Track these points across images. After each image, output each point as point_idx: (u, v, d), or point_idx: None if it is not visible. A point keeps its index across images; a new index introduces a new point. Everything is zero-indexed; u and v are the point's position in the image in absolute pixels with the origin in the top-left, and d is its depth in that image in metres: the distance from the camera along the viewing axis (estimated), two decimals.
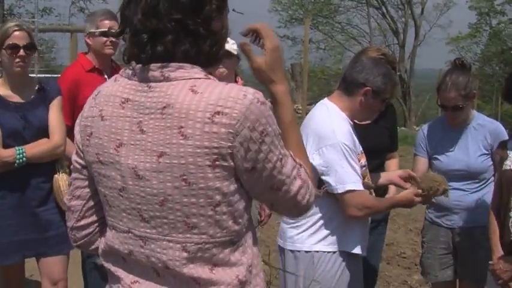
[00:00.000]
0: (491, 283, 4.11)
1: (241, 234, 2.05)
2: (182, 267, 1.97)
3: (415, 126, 30.29)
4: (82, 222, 2.22)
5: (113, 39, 4.82)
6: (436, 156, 4.65)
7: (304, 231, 3.68)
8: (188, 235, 1.95)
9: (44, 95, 4.46)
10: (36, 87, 4.48)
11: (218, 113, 1.85)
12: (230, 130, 1.86)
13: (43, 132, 4.39)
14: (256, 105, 1.90)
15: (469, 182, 4.56)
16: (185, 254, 1.96)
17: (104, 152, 2.01)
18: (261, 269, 2.15)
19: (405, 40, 41.87)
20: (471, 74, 4.48)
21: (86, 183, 2.17)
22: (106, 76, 4.87)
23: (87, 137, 2.07)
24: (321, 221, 3.65)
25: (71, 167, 2.21)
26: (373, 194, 3.93)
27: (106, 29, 4.82)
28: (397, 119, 5.13)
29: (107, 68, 4.98)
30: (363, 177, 3.77)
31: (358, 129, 4.36)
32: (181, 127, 1.86)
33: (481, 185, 4.57)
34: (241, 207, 2.01)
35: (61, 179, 4.42)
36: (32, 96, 4.44)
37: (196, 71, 1.95)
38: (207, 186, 1.89)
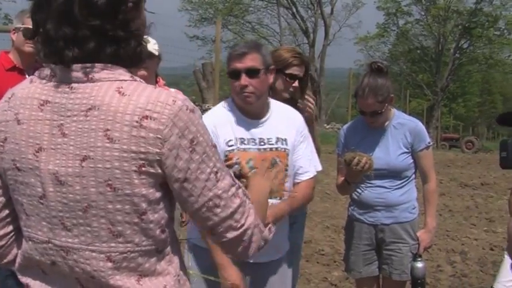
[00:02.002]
0: None
1: (167, 242, 1.97)
2: (108, 278, 1.88)
3: (325, 125, 30.74)
4: None
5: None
6: None
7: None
8: (113, 244, 1.86)
9: None
10: None
11: (146, 117, 1.78)
12: (158, 135, 1.79)
13: None
14: (186, 112, 1.84)
15: (390, 179, 4.59)
16: (110, 264, 1.88)
17: (21, 157, 1.89)
18: (187, 278, 2.08)
19: (315, 40, 42.49)
20: (388, 77, 4.50)
21: None
22: (27, 76, 4.65)
23: (1, 143, 1.93)
24: None
25: None
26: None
27: (30, 26, 4.61)
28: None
29: (29, 68, 4.77)
30: None
31: None
32: (108, 130, 1.78)
33: (403, 183, 4.61)
34: (168, 215, 1.94)
35: None
36: None
37: (121, 72, 1.87)
38: (133, 193, 1.82)
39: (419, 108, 46.90)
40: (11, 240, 2.08)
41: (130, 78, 1.86)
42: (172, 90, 1.91)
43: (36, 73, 1.95)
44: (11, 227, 2.06)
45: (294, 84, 4.40)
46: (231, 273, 3.60)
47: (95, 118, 1.78)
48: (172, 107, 1.81)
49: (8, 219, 2.05)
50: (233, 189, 1.95)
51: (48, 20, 1.83)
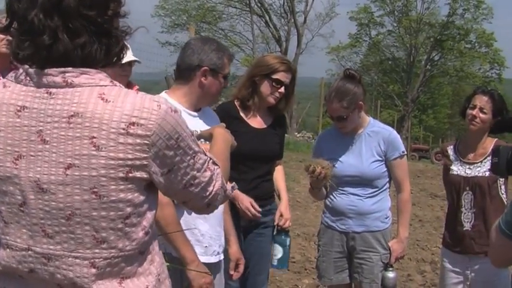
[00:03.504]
0: None
1: (149, 243, 1.98)
2: (91, 284, 1.87)
3: (296, 133, 30.79)
4: None
5: (10, 38, 4.52)
6: (331, 162, 4.60)
7: None
8: (97, 250, 1.85)
9: None
10: None
11: (133, 123, 1.78)
12: (146, 141, 1.80)
13: None
14: (171, 115, 1.86)
15: (363, 187, 4.58)
16: (94, 270, 1.86)
17: None
18: (167, 275, 2.09)
19: (288, 48, 42.58)
20: (358, 85, 4.49)
21: None
22: (2, 77, 4.55)
23: None
24: None
25: None
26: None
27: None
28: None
29: (4, 69, 4.66)
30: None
31: (253, 133, 4.33)
32: (94, 137, 1.76)
33: (375, 191, 4.60)
34: (150, 216, 1.95)
35: None
36: None
37: (101, 77, 1.84)
38: (118, 199, 1.81)
39: (390, 119, 47.14)
40: None
41: (111, 84, 1.83)
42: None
43: (10, 77, 1.89)
44: None
45: (279, 90, 4.40)
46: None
47: (79, 125, 1.75)
48: (158, 111, 1.81)
49: None
50: (205, 164, 2.03)
51: (32, 10, 1.77)
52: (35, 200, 1.81)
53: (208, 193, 2.09)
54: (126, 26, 1.92)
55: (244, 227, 4.44)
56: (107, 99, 1.77)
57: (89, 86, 1.79)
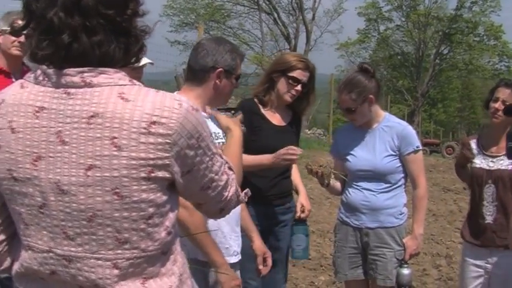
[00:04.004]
0: None
1: (172, 243, 1.96)
2: (114, 285, 1.85)
3: (307, 130, 30.69)
4: None
5: (22, 40, 4.58)
6: (346, 156, 4.67)
7: None
8: (119, 251, 1.83)
9: None
10: None
11: (154, 123, 1.76)
12: (167, 140, 1.77)
13: None
14: (192, 113, 1.84)
15: (376, 182, 4.57)
16: (116, 271, 1.84)
17: (18, 167, 1.82)
18: (189, 275, 2.08)
19: (297, 45, 42.43)
20: (371, 79, 4.50)
21: None
22: (14, 79, 4.61)
23: None
24: None
25: None
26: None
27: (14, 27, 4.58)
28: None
29: (16, 71, 4.71)
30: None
31: (274, 130, 4.35)
32: (115, 138, 1.73)
33: (389, 187, 4.58)
34: (173, 216, 1.93)
35: None
36: None
37: (120, 76, 1.82)
38: (140, 199, 1.79)
39: (400, 114, 46.92)
40: (5, 248, 2.02)
41: (130, 83, 1.82)
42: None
43: (27, 77, 1.87)
44: (4, 235, 2.01)
45: (296, 88, 4.42)
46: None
47: (100, 126, 1.73)
48: (180, 110, 1.80)
49: (1, 228, 2.00)
50: (222, 167, 2.02)
51: (51, 9, 1.75)
52: (56, 201, 1.79)
53: (223, 197, 2.08)
54: (145, 25, 1.90)
55: (263, 225, 4.45)
56: (127, 99, 1.75)
57: (108, 85, 1.77)
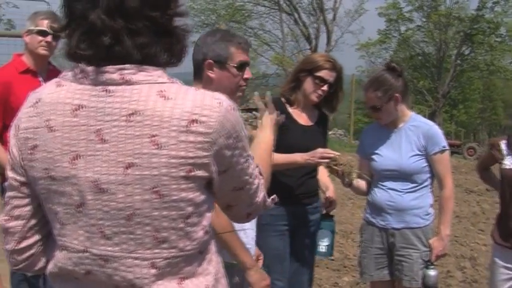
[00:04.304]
0: None
1: (208, 242, 1.95)
2: (151, 284, 1.83)
3: (328, 131, 30.62)
4: (23, 244, 1.99)
5: (49, 40, 4.64)
6: (372, 156, 4.68)
7: None
8: (157, 250, 1.81)
9: None
10: None
11: (194, 121, 1.74)
12: (207, 139, 1.76)
13: None
14: (231, 113, 1.83)
15: (402, 182, 4.56)
16: (154, 271, 1.83)
17: (55, 166, 1.80)
18: (223, 274, 2.06)
19: (317, 46, 42.32)
20: (398, 78, 4.50)
21: (26, 201, 1.94)
22: (41, 78, 4.66)
23: (30, 151, 1.84)
24: None
25: (5, 184, 1.97)
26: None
27: (44, 28, 4.66)
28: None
29: (43, 70, 4.76)
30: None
31: (301, 130, 4.35)
32: (154, 136, 1.72)
33: (415, 187, 4.57)
34: (209, 215, 1.92)
35: None
36: None
37: (159, 74, 1.80)
38: (180, 198, 1.77)
39: (420, 115, 46.76)
40: (40, 248, 2.01)
41: (169, 81, 1.80)
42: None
43: (63, 75, 1.86)
44: (39, 236, 2.00)
45: (322, 88, 4.41)
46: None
47: (139, 124, 1.72)
48: (219, 109, 1.78)
49: (37, 228, 1.98)
50: (254, 171, 2.01)
51: (93, 10, 1.73)
52: (94, 200, 1.78)
53: (254, 201, 2.08)
54: (185, 24, 1.88)
55: (291, 225, 4.45)
56: (167, 97, 1.74)
57: (147, 83, 1.75)
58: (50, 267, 1.97)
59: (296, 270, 4.55)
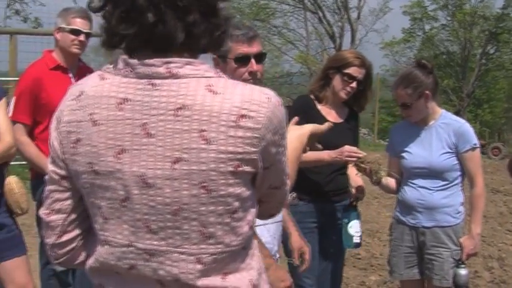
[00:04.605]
0: None
1: (252, 238, 1.94)
2: (195, 280, 1.81)
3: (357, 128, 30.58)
4: (64, 238, 1.97)
5: (82, 39, 4.68)
6: (402, 154, 4.65)
7: None
8: (203, 246, 1.79)
9: None
10: None
11: (243, 116, 1.72)
12: (256, 134, 1.73)
13: None
14: (279, 109, 1.81)
15: (432, 180, 4.53)
16: (199, 266, 1.80)
17: (99, 160, 1.77)
18: (264, 269, 2.04)
19: (342, 44, 42.24)
20: (429, 75, 4.47)
21: (67, 195, 1.92)
22: (71, 75, 4.69)
23: (73, 144, 1.82)
24: None
25: (46, 177, 1.95)
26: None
27: (77, 27, 4.69)
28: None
29: (73, 67, 4.79)
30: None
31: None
32: (203, 131, 1.69)
33: (445, 185, 4.54)
34: (254, 210, 1.90)
35: (14, 182, 4.19)
36: None
37: (206, 68, 1.78)
38: (227, 193, 1.75)
39: None
40: (81, 242, 1.99)
41: (216, 75, 1.77)
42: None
43: (106, 68, 1.83)
44: (80, 230, 1.98)
45: (351, 85, 4.38)
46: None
47: (187, 118, 1.69)
48: (268, 104, 1.76)
49: (77, 222, 1.96)
50: (287, 169, 2.00)
51: (147, 6, 1.69)
52: (139, 195, 1.75)
53: (283, 201, 2.08)
54: (228, 9, 1.85)
55: (320, 222, 4.43)
56: (215, 91, 1.71)
57: (194, 77, 1.73)
58: (91, 261, 1.95)
59: (325, 268, 4.52)
